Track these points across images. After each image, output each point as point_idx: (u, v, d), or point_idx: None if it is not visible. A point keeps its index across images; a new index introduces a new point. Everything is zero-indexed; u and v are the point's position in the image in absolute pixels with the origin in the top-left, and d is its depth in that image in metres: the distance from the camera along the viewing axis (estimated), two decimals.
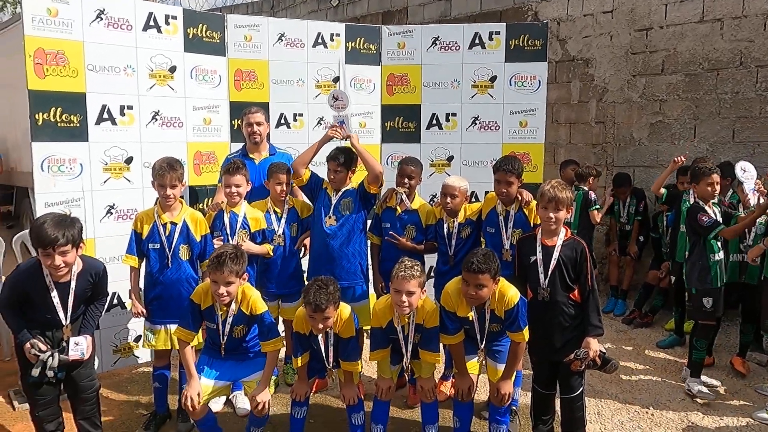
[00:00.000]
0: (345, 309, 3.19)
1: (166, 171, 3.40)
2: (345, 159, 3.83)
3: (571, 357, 3.02)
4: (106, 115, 4.07)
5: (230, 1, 11.56)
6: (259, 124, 4.16)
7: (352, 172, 3.92)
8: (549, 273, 3.09)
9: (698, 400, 4.01)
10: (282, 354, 4.17)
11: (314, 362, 3.30)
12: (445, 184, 3.80)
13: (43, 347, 2.87)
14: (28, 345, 2.86)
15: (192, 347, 3.22)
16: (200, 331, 3.28)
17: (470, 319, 3.07)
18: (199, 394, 3.03)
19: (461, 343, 3.15)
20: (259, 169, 4.15)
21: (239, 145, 4.42)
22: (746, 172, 4.35)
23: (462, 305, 3.05)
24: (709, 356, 4.56)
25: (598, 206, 5.66)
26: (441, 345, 3.27)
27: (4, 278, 4.08)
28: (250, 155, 4.21)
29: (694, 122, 5.88)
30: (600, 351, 3.06)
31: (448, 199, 3.76)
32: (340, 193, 3.88)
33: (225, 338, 3.17)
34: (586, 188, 5.72)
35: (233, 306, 3.12)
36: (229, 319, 3.12)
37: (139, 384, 4.21)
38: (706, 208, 4.15)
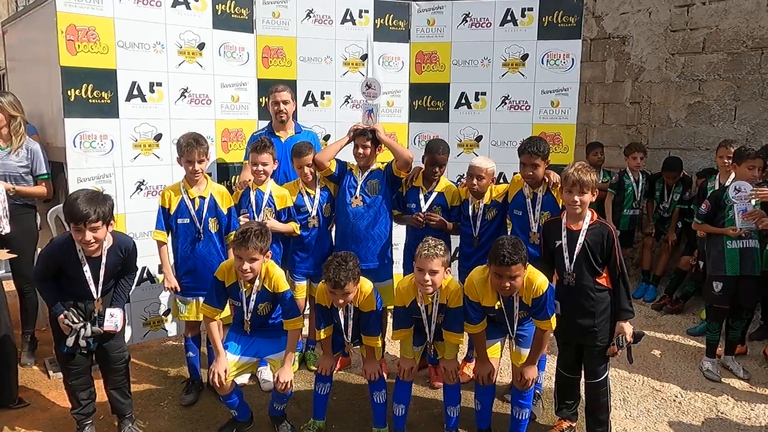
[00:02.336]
0: (366, 283, 3.20)
1: (194, 147, 3.44)
2: (373, 134, 3.82)
3: (615, 350, 3.04)
4: (135, 92, 4.11)
5: None
6: (285, 102, 4.15)
7: (379, 150, 3.89)
8: (574, 258, 3.03)
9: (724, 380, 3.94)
10: (303, 336, 4.23)
11: (338, 336, 3.33)
12: (472, 165, 3.74)
13: (76, 319, 2.95)
14: (61, 316, 2.94)
15: (220, 321, 3.27)
16: (230, 306, 3.34)
17: (496, 308, 3.04)
18: (226, 371, 3.09)
19: (484, 332, 3.13)
20: (284, 147, 4.15)
21: (267, 123, 4.43)
22: (739, 192, 3.97)
23: (488, 295, 3.01)
24: (741, 345, 4.46)
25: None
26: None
27: (39, 251, 4.21)
28: (276, 133, 4.21)
29: (735, 103, 5.65)
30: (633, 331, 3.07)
31: (475, 181, 3.70)
32: (366, 173, 3.86)
33: (250, 315, 3.20)
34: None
35: (257, 282, 3.15)
36: (253, 296, 3.16)
37: (167, 356, 4.32)
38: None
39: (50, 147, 7.62)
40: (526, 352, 3.17)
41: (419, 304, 3.13)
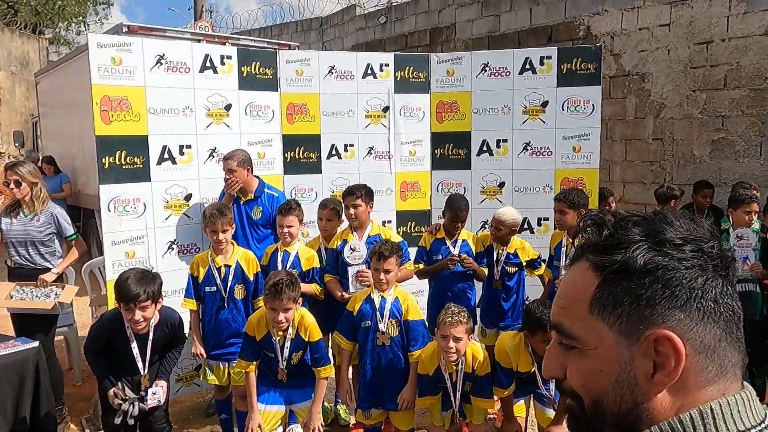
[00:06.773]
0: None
1: (217, 217, 3.56)
2: (362, 191, 3.94)
3: None
4: (166, 155, 4.24)
5: (280, 19, 11.85)
6: (231, 171, 4.07)
7: (370, 206, 3.97)
8: None
9: None
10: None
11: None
12: (494, 217, 3.94)
13: (124, 395, 3.04)
14: (111, 393, 3.03)
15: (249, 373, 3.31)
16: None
17: (531, 371, 3.06)
18: (260, 425, 3.16)
19: (512, 394, 3.15)
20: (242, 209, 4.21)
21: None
22: (741, 240, 4.04)
23: (523, 360, 3.04)
24: None
25: None
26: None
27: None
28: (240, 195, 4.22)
29: (759, 139, 5.61)
30: None
31: (493, 229, 3.92)
32: (364, 238, 3.90)
33: (285, 363, 3.24)
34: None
35: (290, 331, 3.19)
36: (287, 344, 3.20)
37: (200, 411, 4.39)
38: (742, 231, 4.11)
39: (81, 194, 7.89)
40: (549, 412, 3.18)
41: (443, 372, 3.16)
